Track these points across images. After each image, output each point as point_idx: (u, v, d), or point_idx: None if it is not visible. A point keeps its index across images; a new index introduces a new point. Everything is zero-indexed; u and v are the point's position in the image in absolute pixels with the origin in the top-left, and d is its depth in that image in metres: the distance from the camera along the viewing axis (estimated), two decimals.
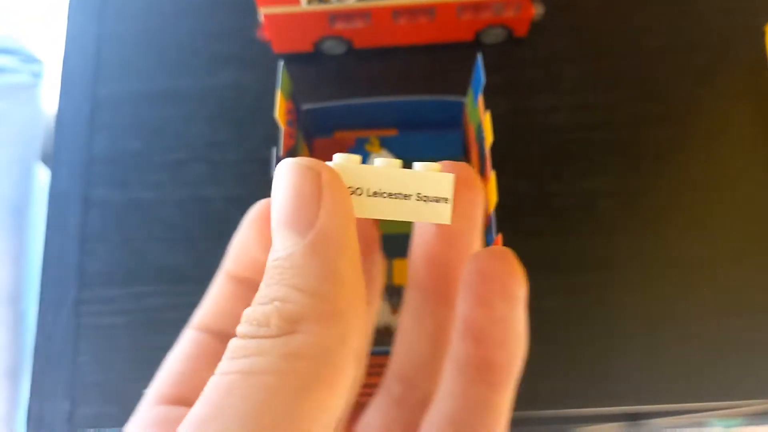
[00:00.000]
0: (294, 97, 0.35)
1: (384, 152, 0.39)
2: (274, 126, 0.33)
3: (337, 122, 0.40)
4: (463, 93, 0.38)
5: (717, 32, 0.44)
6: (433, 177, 0.15)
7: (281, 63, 0.32)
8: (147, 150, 0.42)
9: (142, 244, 0.40)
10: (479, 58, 0.33)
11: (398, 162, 0.15)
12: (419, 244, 0.17)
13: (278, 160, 0.31)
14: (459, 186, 0.15)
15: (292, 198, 0.13)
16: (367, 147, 0.40)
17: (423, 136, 0.40)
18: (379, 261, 0.19)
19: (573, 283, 0.39)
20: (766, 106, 0.42)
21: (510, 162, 0.41)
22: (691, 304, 0.39)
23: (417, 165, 0.15)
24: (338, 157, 0.15)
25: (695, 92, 0.43)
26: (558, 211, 0.40)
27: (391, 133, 0.41)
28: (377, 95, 0.39)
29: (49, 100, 0.78)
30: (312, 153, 0.40)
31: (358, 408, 0.18)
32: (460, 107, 0.38)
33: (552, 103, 0.43)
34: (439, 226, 0.16)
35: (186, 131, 0.42)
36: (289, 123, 0.34)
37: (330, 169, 0.14)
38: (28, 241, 0.73)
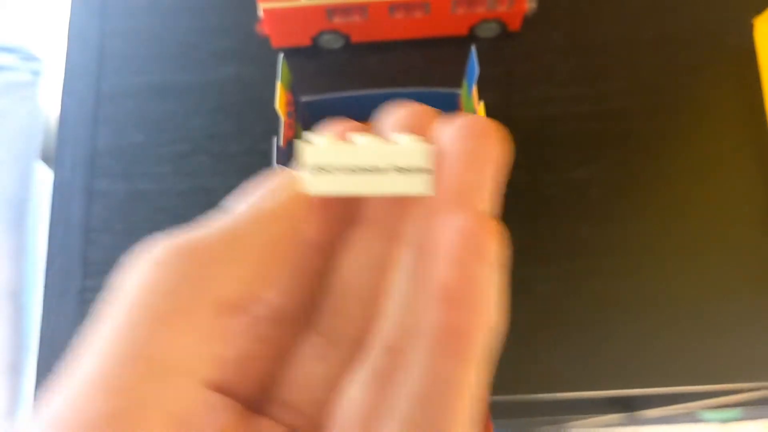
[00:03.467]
0: (293, 90, 0.36)
1: None
2: (274, 119, 0.34)
3: (334, 114, 0.40)
4: (458, 85, 0.39)
5: (707, 25, 0.45)
6: (409, 148, 0.15)
7: (281, 55, 0.33)
8: (150, 143, 0.43)
9: (145, 234, 0.40)
10: (473, 50, 0.34)
11: (378, 138, 0.15)
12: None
13: (278, 149, 0.32)
14: (465, 137, 0.15)
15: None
16: None
17: None
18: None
19: (564, 269, 0.40)
20: (754, 97, 0.43)
21: None
22: (680, 289, 0.40)
23: (400, 137, 0.15)
24: (312, 138, 0.15)
25: (685, 84, 0.44)
26: (549, 200, 0.41)
27: None
28: (374, 88, 0.40)
29: (48, 97, 0.78)
30: None
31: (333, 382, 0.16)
32: (455, 98, 0.39)
33: (545, 95, 0.44)
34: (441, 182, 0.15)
35: (188, 124, 0.43)
36: (288, 114, 0.35)
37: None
38: (28, 237, 0.73)
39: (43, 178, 0.81)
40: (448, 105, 0.40)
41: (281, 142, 0.32)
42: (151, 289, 0.13)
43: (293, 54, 0.45)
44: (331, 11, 0.41)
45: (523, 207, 0.41)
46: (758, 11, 0.43)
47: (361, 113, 0.41)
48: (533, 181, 0.42)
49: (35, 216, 0.75)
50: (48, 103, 0.79)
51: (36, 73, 0.76)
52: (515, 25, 0.44)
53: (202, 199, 0.42)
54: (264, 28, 0.43)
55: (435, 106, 0.41)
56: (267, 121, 0.43)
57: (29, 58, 0.74)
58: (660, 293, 0.40)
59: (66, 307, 0.39)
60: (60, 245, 0.41)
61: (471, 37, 0.45)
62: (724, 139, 0.43)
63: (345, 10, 0.41)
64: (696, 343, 0.39)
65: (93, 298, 0.39)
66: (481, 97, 0.44)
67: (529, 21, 0.44)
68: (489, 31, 0.44)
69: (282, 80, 0.33)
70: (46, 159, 0.82)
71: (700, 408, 0.66)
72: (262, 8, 0.40)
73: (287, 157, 0.34)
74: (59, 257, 0.41)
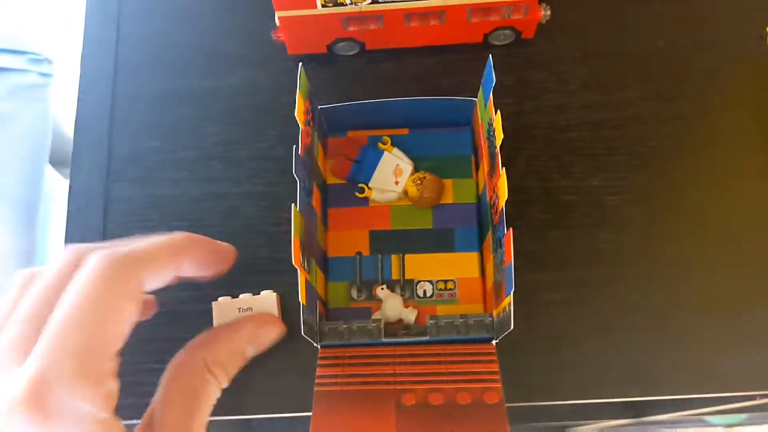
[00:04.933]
0: (310, 97, 0.37)
1: (396, 150, 0.40)
2: (288, 124, 0.35)
3: (350, 121, 0.41)
4: (472, 92, 0.39)
5: (721, 33, 0.46)
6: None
7: (300, 65, 0.33)
8: (165, 148, 0.43)
9: None
10: (490, 60, 0.34)
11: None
12: None
13: (297, 157, 0.32)
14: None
15: None
16: (380, 146, 0.41)
17: (433, 135, 0.41)
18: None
19: (578, 277, 0.40)
20: None
21: (518, 160, 0.43)
22: (694, 298, 0.40)
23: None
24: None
25: (700, 92, 0.44)
26: (565, 208, 0.42)
27: (403, 132, 0.42)
28: (388, 95, 0.40)
29: (58, 100, 0.78)
30: (326, 150, 0.41)
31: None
32: (471, 106, 0.39)
33: (559, 102, 0.44)
34: None
35: (203, 130, 0.44)
36: (306, 122, 0.35)
37: None
38: (38, 239, 0.73)
39: (53, 181, 0.81)
40: (464, 113, 0.40)
41: (300, 151, 0.32)
42: None
43: (308, 60, 0.45)
44: (347, 19, 0.41)
45: (538, 214, 0.42)
46: None
47: (377, 121, 0.41)
48: (548, 188, 0.42)
49: (45, 219, 0.75)
50: (58, 105, 0.79)
51: (45, 76, 0.76)
52: (529, 32, 0.44)
53: (217, 204, 0.42)
54: (280, 36, 0.43)
55: (450, 115, 0.41)
56: (281, 126, 0.43)
57: (38, 60, 0.75)
58: (676, 302, 0.40)
59: None
60: None
61: (485, 44, 0.45)
62: (740, 147, 0.43)
63: (360, 18, 0.42)
64: (712, 351, 0.39)
65: None
66: (496, 104, 0.44)
67: (542, 28, 0.44)
68: (503, 38, 0.44)
69: (301, 89, 0.34)
70: (56, 162, 0.82)
71: (707, 413, 0.66)
72: (278, 16, 0.41)
73: (305, 164, 0.34)
74: None
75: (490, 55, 0.35)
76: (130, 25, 0.47)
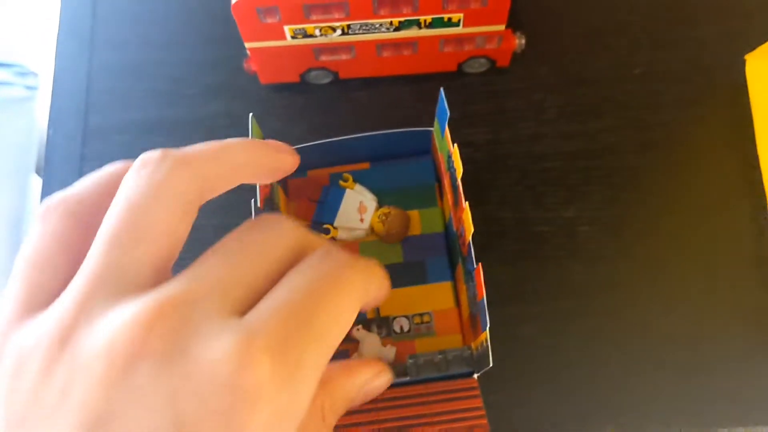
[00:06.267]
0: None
1: (358, 187, 0.40)
2: None
3: (309, 162, 0.40)
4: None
5: (698, 61, 0.45)
6: None
7: (251, 115, 0.33)
8: None
9: None
10: (442, 92, 0.33)
11: None
12: None
13: (257, 209, 0.31)
14: None
15: None
16: (342, 184, 0.40)
17: (395, 167, 0.40)
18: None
19: (552, 309, 0.40)
20: (746, 133, 0.43)
21: (492, 190, 0.42)
22: (669, 330, 0.39)
23: None
24: None
25: (676, 120, 0.44)
26: (539, 239, 0.41)
27: (363, 167, 0.41)
28: (362, 124, 0.39)
29: (43, 112, 0.78)
30: (287, 194, 0.41)
31: None
32: (428, 136, 0.39)
33: (535, 131, 0.44)
34: None
35: None
36: None
37: None
38: None
39: (39, 192, 0.81)
40: (423, 142, 0.39)
41: (259, 204, 0.32)
42: None
43: (281, 88, 0.45)
44: (319, 50, 0.41)
45: (511, 245, 0.41)
46: (750, 48, 0.43)
47: (336, 159, 0.40)
48: (522, 219, 0.42)
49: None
50: (44, 118, 0.79)
51: (31, 88, 0.76)
52: (504, 61, 0.44)
53: (190, 236, 0.42)
54: (252, 66, 0.43)
55: (410, 145, 0.40)
56: None
57: (24, 73, 0.74)
58: (649, 334, 0.39)
59: None
60: None
61: (460, 72, 0.44)
62: (715, 176, 0.43)
63: (332, 49, 0.41)
64: (687, 384, 0.38)
65: None
66: (469, 133, 0.44)
67: (518, 56, 0.44)
68: (478, 66, 0.44)
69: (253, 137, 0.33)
70: (41, 172, 0.82)
71: None
72: (248, 48, 0.40)
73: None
74: None
75: (442, 89, 0.34)
76: (102, 53, 0.46)
